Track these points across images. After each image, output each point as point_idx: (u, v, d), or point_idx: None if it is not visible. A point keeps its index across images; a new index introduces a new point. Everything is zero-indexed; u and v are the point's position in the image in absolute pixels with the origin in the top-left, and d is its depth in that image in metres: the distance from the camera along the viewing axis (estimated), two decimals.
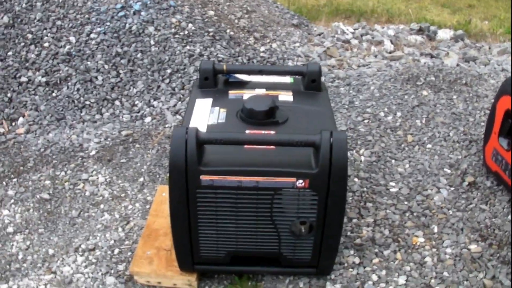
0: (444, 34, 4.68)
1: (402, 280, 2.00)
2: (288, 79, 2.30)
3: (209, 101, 2.09)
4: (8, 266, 2.25)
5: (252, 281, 2.06)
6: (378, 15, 5.83)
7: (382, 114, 3.05)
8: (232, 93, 2.15)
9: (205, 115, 1.99)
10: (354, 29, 4.68)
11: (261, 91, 2.15)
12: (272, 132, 1.85)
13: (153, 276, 2.04)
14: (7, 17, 3.73)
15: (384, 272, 2.04)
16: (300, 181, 1.71)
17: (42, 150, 3.04)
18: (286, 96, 2.12)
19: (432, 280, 2.00)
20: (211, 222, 1.83)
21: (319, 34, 4.65)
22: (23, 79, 3.46)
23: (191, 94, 2.19)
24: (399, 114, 3.04)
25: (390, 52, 4.15)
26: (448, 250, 2.12)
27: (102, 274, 2.15)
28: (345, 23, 5.05)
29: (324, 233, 1.83)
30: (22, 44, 3.62)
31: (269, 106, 1.92)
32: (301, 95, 2.15)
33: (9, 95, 3.39)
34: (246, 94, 2.11)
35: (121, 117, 3.29)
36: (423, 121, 2.97)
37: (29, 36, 3.65)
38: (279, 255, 1.92)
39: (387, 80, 3.46)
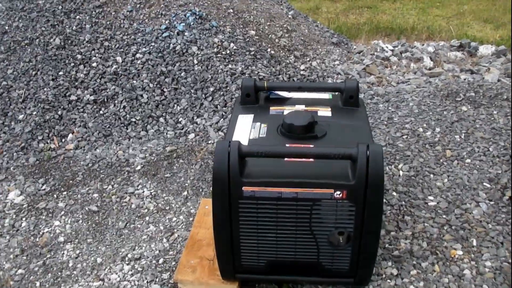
0: (486, 50, 4.66)
1: None
2: (326, 96, 2.37)
3: (250, 116, 2.17)
4: (59, 273, 2.36)
5: None
6: (419, 32, 5.85)
7: (420, 129, 3.07)
8: (273, 109, 2.23)
9: (247, 130, 2.07)
10: (394, 47, 4.72)
11: (301, 107, 2.22)
12: (311, 145, 1.92)
13: (196, 284, 2.11)
14: (58, 39, 3.92)
15: (422, 283, 2.06)
16: (338, 192, 1.76)
17: (90, 165, 3.17)
18: (324, 112, 2.19)
19: None
20: (252, 232, 1.89)
21: (359, 52, 4.71)
22: (73, 97, 3.63)
23: (233, 110, 2.28)
24: (438, 129, 3.06)
25: (430, 69, 4.17)
26: (488, 264, 2.12)
27: (147, 282, 2.24)
28: (384, 40, 5.09)
29: (362, 244, 1.87)
30: (72, 64, 3.80)
31: (308, 121, 1.98)
32: (339, 111, 2.21)
33: (59, 112, 3.55)
34: (286, 110, 2.18)
35: (165, 133, 3.40)
36: (462, 136, 2.98)
37: (79, 56, 3.83)
38: (318, 264, 1.96)
39: (426, 96, 3.48)
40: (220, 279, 2.09)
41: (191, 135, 3.35)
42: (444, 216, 2.40)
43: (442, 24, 6.32)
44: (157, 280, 2.24)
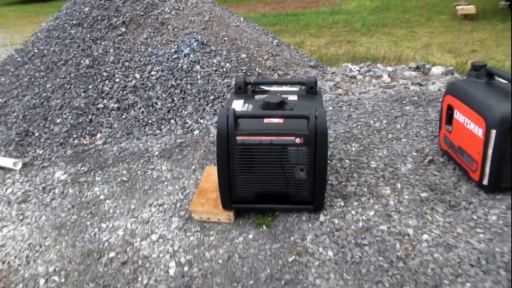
0: (437, 70, 5.61)
1: (371, 213, 2.93)
2: (295, 88, 3.33)
3: (241, 101, 3.12)
4: (104, 216, 3.25)
5: (271, 216, 3.02)
6: (389, 61, 6.80)
7: (372, 122, 4.03)
8: (257, 97, 3.17)
9: (239, 107, 3.01)
10: (360, 68, 5.71)
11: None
12: None
13: (204, 213, 3.02)
14: (88, 60, 4.89)
15: (360, 209, 2.98)
16: (298, 139, 2.69)
17: (117, 153, 4.08)
18: (293, 97, 3.13)
19: (392, 212, 2.93)
20: (243, 169, 2.80)
21: (332, 73, 5.69)
22: (100, 105, 4.56)
23: (229, 98, 3.23)
24: (384, 121, 4.01)
25: (387, 83, 5.14)
26: (406, 197, 3.05)
27: (169, 216, 3.13)
28: (353, 63, 6.08)
29: (316, 177, 2.79)
30: (99, 80, 4.75)
31: (280, 100, 2.93)
32: (303, 97, 3.16)
33: (89, 117, 4.48)
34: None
35: (175, 131, 4.33)
36: (402, 125, 3.94)
37: (104, 74, 4.78)
38: (288, 193, 2.88)
39: (380, 101, 4.45)
40: (222, 210, 2.99)
41: (196, 131, 4.28)
42: (380, 172, 3.34)
43: (410, 54, 7.26)
44: (176, 215, 3.14)
